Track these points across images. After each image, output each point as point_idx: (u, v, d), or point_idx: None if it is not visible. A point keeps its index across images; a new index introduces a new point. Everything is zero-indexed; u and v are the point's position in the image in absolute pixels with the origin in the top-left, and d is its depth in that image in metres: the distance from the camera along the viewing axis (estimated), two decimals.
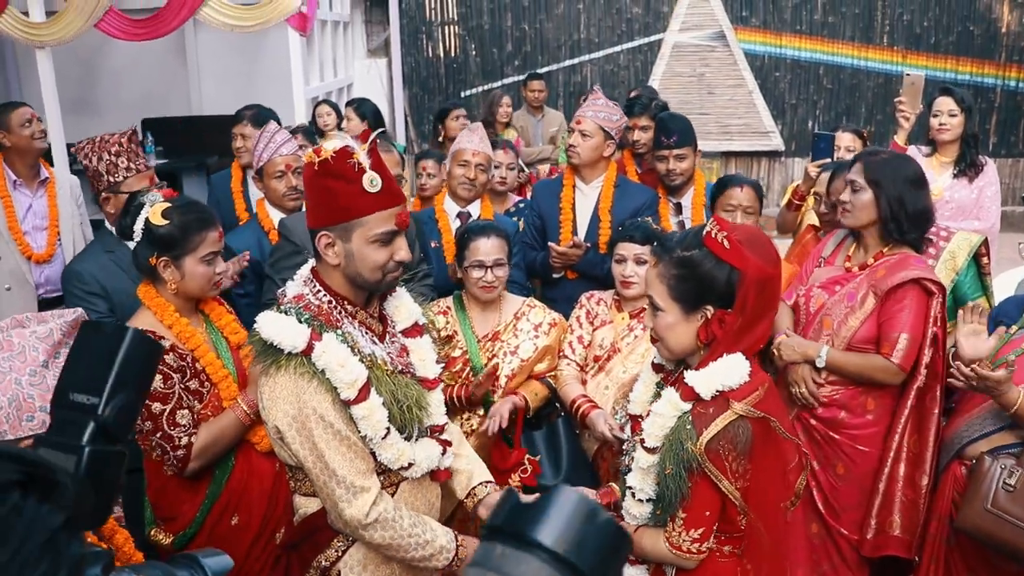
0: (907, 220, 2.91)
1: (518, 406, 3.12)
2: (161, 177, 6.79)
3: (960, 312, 2.80)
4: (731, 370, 2.02)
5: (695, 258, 2.01)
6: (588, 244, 3.81)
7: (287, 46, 6.55)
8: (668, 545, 2.09)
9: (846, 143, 4.44)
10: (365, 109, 6.20)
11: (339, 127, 6.35)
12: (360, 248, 2.02)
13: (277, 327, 1.98)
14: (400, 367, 2.18)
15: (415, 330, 2.28)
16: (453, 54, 10.16)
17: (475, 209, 3.96)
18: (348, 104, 6.28)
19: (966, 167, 4.40)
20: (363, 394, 2.01)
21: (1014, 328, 2.83)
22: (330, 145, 1.97)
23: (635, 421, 2.34)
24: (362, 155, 1.97)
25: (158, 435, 2.50)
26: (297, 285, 2.13)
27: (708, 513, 2.04)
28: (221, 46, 8.78)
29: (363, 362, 2.04)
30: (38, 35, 5.72)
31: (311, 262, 2.16)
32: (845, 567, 3.06)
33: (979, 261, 3.31)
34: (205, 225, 2.61)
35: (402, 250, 2.07)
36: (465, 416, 3.20)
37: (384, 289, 2.17)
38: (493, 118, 7.13)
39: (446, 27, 10.09)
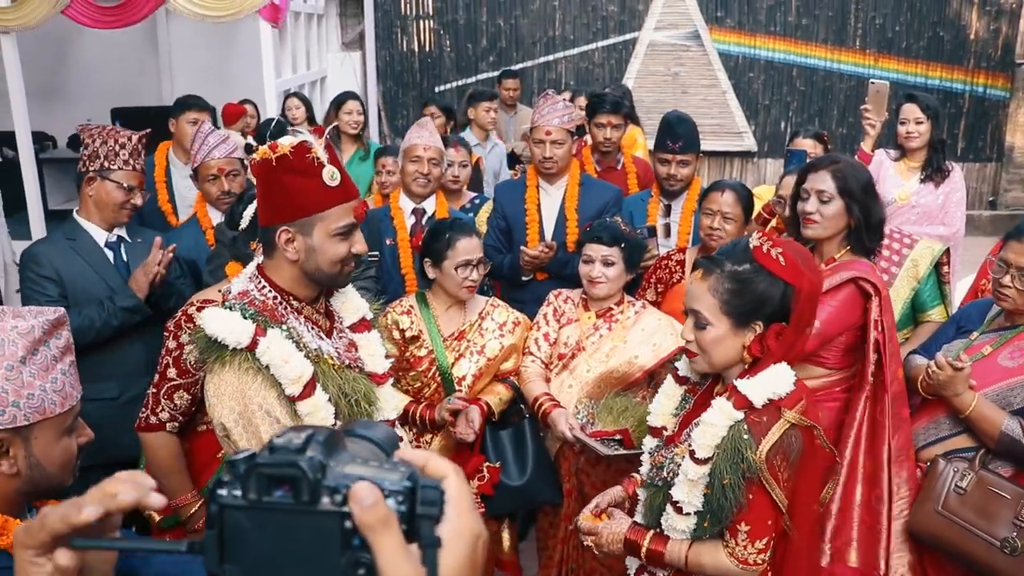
0: (872, 230, 2.88)
1: (484, 415, 3.12)
2: None
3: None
4: (780, 379, 2.02)
5: (748, 274, 2.01)
6: (555, 243, 3.80)
7: (259, 38, 6.50)
8: (734, 560, 2.06)
9: (807, 147, 4.44)
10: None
11: (309, 120, 6.30)
12: (322, 242, 2.03)
13: (221, 323, 1.97)
14: (348, 362, 2.18)
15: (363, 325, 2.29)
16: (428, 49, 10.13)
17: (430, 205, 3.92)
18: (351, 97, 6.15)
19: (933, 172, 4.44)
20: (308, 390, 2.01)
21: (975, 334, 2.87)
22: (286, 141, 1.96)
23: (655, 431, 2.32)
24: (320, 150, 1.97)
25: (152, 390, 2.64)
26: (242, 282, 2.13)
27: (770, 522, 2.04)
28: (193, 37, 8.70)
29: (309, 357, 2.03)
30: (2, 20, 5.64)
31: (257, 260, 2.15)
32: None
33: (939, 270, 3.33)
34: None
35: (359, 243, 2.09)
36: (426, 438, 3.19)
37: (341, 284, 2.18)
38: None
39: (421, 21, 10.06)
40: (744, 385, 2.02)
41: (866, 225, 2.86)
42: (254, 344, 1.97)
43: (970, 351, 2.80)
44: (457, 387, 3.15)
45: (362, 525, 0.70)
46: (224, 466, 0.75)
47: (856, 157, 4.45)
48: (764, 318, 2.02)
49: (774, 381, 2.02)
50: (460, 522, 0.75)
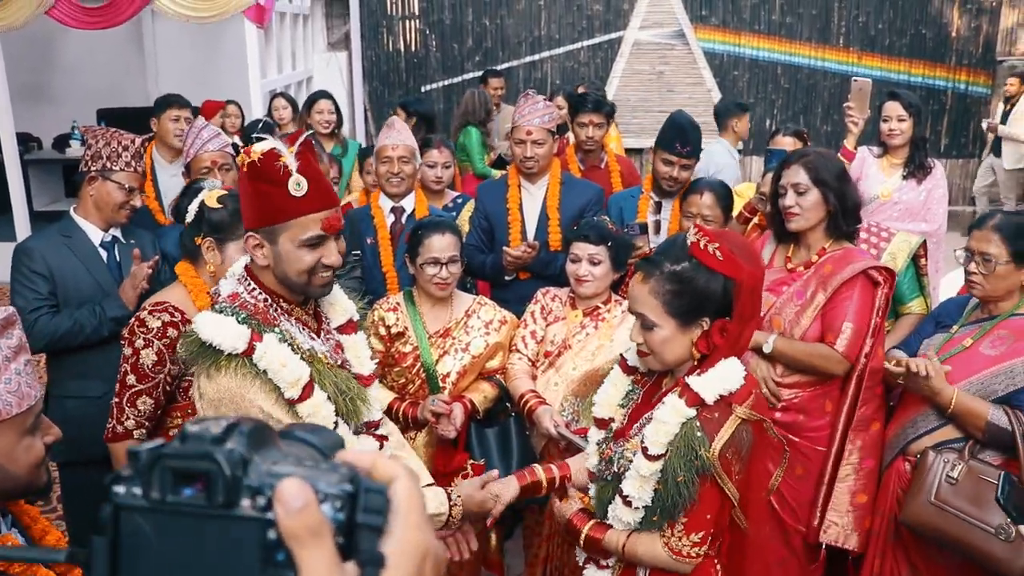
0: (849, 214, 2.99)
1: (468, 412, 3.13)
2: None
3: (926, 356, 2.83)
4: (730, 374, 2.03)
5: (687, 272, 2.00)
6: (538, 243, 3.82)
7: (244, 38, 6.51)
8: (668, 551, 2.07)
9: (787, 146, 4.47)
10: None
11: (295, 120, 6.30)
12: (288, 252, 1.99)
13: (216, 328, 1.96)
14: (338, 362, 2.18)
15: (350, 327, 2.28)
16: (413, 48, 10.13)
17: (409, 204, 3.94)
18: (323, 96, 6.10)
19: (915, 169, 4.47)
20: (307, 392, 2.01)
21: (955, 328, 2.91)
22: (259, 147, 1.93)
23: (602, 423, 2.33)
24: (289, 158, 1.93)
25: (115, 399, 2.60)
26: (231, 283, 2.11)
27: (709, 516, 2.05)
28: (179, 37, 8.70)
29: (303, 358, 2.03)
30: None
31: (244, 259, 2.15)
32: (794, 558, 3.10)
33: (917, 262, 3.37)
34: None
35: (332, 255, 2.03)
36: (410, 434, 3.18)
37: (315, 294, 2.13)
38: (488, 115, 7.11)
39: (407, 21, 10.06)
40: (695, 382, 2.03)
41: (843, 210, 2.97)
42: (251, 349, 1.96)
43: (951, 344, 2.84)
44: (441, 384, 3.16)
45: (287, 534, 0.55)
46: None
47: (840, 154, 4.49)
48: (710, 314, 2.02)
49: (724, 377, 2.02)
50: (406, 537, 0.60)
